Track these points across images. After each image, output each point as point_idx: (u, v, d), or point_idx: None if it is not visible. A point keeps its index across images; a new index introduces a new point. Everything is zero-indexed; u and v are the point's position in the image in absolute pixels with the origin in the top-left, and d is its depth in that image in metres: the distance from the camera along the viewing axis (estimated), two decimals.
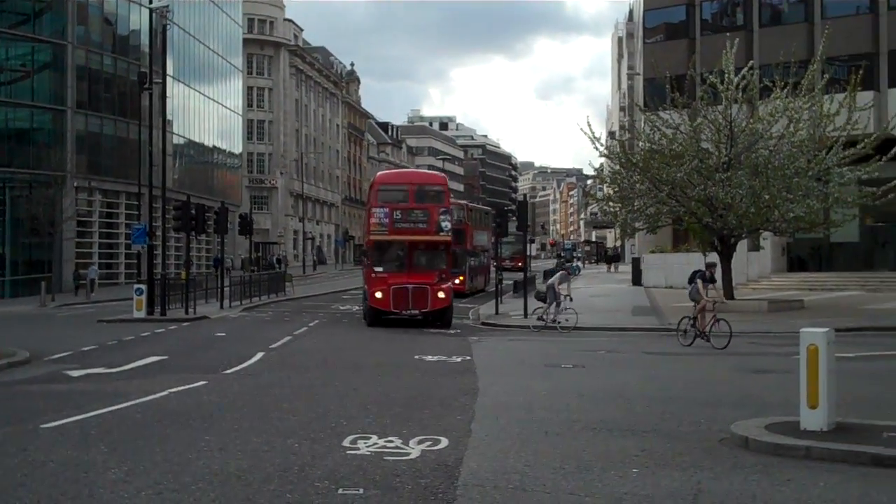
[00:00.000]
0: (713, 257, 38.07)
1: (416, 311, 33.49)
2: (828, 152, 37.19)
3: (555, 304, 31.74)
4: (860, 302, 40.12)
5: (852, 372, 18.14)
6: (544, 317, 31.95)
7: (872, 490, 9.66)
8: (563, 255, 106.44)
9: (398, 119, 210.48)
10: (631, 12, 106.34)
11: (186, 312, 38.89)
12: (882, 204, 38.61)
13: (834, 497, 9.47)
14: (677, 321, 27.46)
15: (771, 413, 13.38)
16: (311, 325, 33.96)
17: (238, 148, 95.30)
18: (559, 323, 31.43)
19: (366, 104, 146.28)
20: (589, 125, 39.25)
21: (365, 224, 38.21)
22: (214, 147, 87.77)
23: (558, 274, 33.43)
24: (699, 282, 26.57)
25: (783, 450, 11.33)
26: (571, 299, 32.15)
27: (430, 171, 47.46)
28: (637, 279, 58.95)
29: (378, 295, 33.08)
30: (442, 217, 34.10)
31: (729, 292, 38.47)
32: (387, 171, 49.51)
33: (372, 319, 33.78)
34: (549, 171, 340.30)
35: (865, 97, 42.67)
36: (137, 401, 15.60)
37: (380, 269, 33.82)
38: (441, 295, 33.30)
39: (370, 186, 38.77)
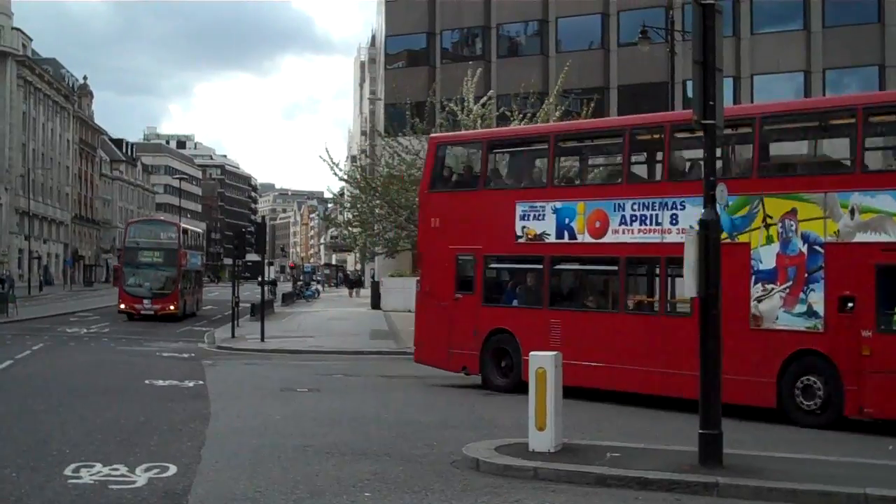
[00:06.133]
0: None
1: None
2: None
3: None
4: None
5: (581, 393, 18.73)
6: None
7: None
8: (302, 278, 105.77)
9: (136, 135, 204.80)
10: (374, 37, 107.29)
11: None
12: None
13: None
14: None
15: (503, 435, 13.63)
16: (34, 348, 32.18)
17: None
18: None
19: (103, 119, 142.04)
20: (327, 151, 39.36)
21: None
22: None
23: None
24: None
25: (512, 471, 11.54)
26: None
27: None
28: (376, 303, 59.09)
29: None
30: None
31: None
32: None
33: None
34: (289, 193, 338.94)
35: None
36: None
37: None
38: None
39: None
